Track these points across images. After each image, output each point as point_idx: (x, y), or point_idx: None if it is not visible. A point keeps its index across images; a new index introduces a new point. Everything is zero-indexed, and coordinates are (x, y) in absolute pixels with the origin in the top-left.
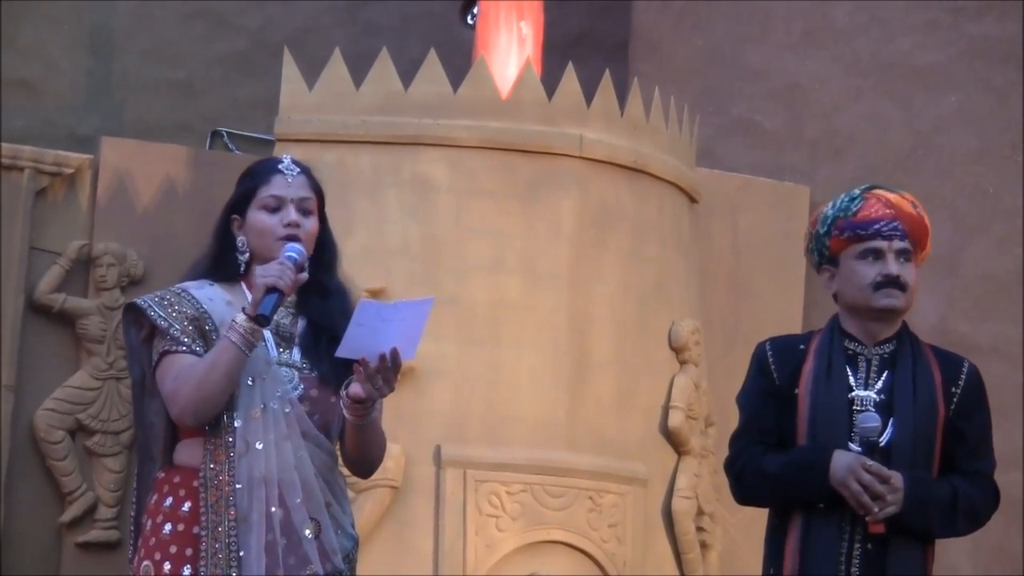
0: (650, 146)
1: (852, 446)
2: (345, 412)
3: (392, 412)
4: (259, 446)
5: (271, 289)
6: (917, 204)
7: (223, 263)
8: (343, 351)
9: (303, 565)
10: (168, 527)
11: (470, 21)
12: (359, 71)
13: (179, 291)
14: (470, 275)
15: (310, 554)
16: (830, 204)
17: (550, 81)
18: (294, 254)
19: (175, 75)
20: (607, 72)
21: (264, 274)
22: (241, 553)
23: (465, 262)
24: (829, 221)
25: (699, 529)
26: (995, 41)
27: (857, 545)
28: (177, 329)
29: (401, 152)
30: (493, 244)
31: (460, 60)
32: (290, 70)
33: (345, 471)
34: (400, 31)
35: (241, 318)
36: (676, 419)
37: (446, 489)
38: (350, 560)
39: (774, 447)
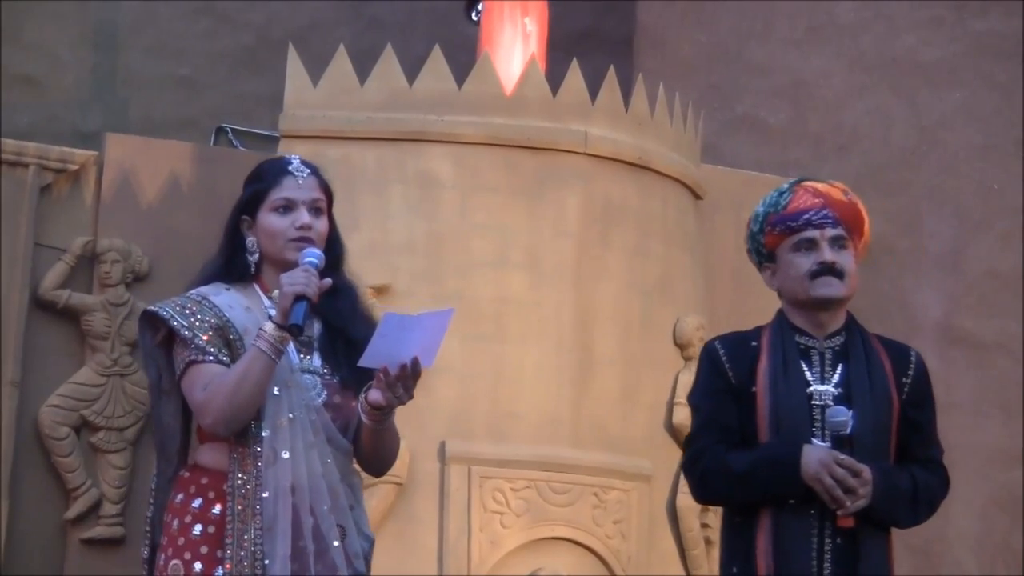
0: (654, 142)
1: (815, 441)
2: (363, 417)
3: (396, 408)
4: (285, 455)
5: (299, 297)
6: (848, 192)
7: (234, 264)
8: (366, 360)
9: (331, 572)
10: (198, 528)
11: (475, 17)
12: (364, 67)
13: (199, 298)
14: (475, 271)
15: (337, 561)
16: (761, 201)
17: (554, 77)
18: (314, 259)
19: (179, 71)
20: (611, 68)
21: (291, 282)
22: (267, 562)
23: (470, 258)
24: (761, 218)
25: (703, 525)
26: (999, 37)
27: (828, 540)
28: (201, 339)
29: (406, 148)
30: (498, 240)
31: (465, 56)
32: (294, 66)
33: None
34: (405, 27)
35: (269, 326)
36: (680, 415)
37: (451, 485)
38: (366, 561)
39: (736, 446)
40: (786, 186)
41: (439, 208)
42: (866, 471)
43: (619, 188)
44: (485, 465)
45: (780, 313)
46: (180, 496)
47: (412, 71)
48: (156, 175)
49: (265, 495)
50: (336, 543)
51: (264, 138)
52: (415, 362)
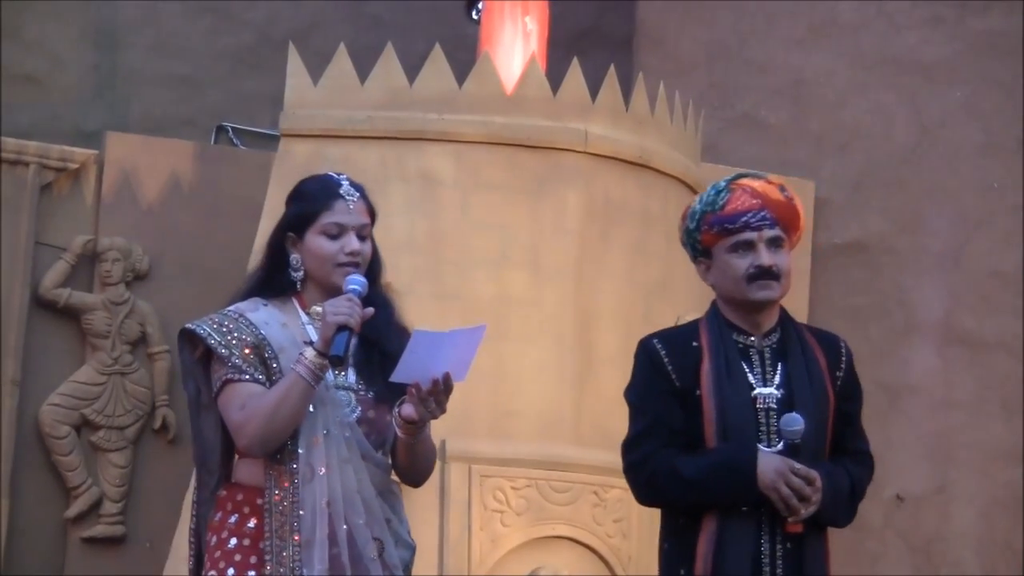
0: (655, 141)
1: (762, 446)
2: (397, 431)
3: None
4: (321, 472)
5: (341, 327)
6: (786, 188)
7: (275, 280)
8: (398, 376)
9: None
10: (234, 541)
11: (475, 16)
12: (364, 66)
13: (236, 315)
14: (475, 270)
15: (372, 571)
16: (698, 198)
17: (555, 76)
18: (357, 287)
19: (180, 70)
20: (612, 67)
21: (335, 311)
22: (305, 572)
23: (470, 257)
24: (698, 216)
25: None
26: (1000, 36)
27: (779, 545)
28: (238, 358)
29: (406, 147)
30: (498, 239)
31: (465, 55)
32: (295, 65)
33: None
34: (405, 26)
35: (311, 353)
36: None
37: (451, 484)
38: (407, 568)
39: (683, 448)
40: (723, 184)
41: (440, 207)
42: (818, 479)
43: (619, 187)
44: (486, 464)
45: (714, 308)
46: (219, 515)
47: (413, 70)
48: (157, 174)
49: (302, 512)
50: (373, 556)
51: (265, 137)
52: (447, 377)
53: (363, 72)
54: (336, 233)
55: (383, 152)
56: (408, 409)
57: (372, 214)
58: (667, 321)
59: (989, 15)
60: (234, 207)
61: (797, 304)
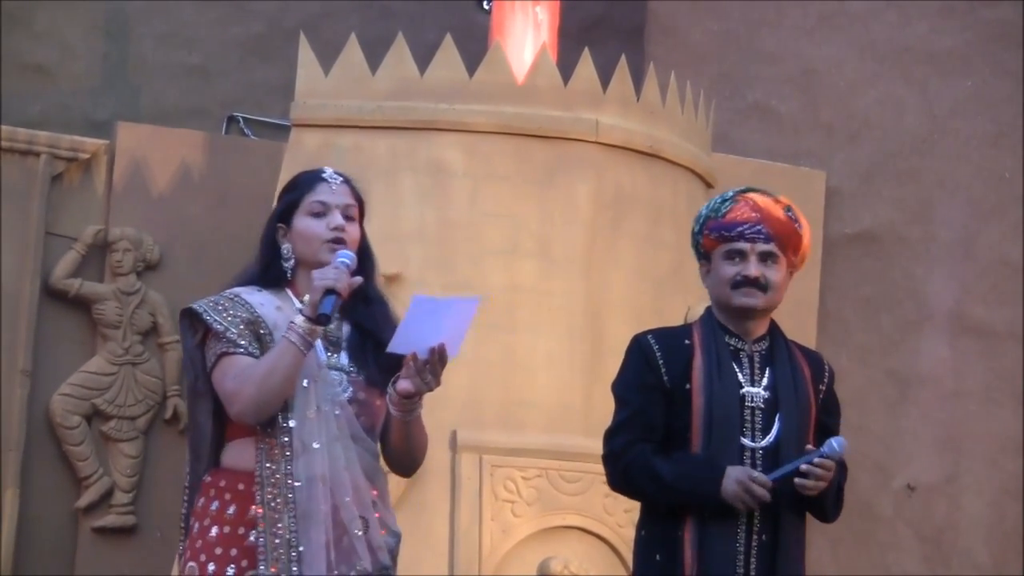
0: (666, 131)
1: (744, 441)
2: (392, 409)
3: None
4: (316, 446)
5: (329, 291)
6: (792, 209)
7: (270, 270)
8: (395, 346)
9: (351, 559)
10: (215, 530)
11: (486, 6)
12: (375, 56)
13: (232, 296)
14: (486, 260)
15: (359, 549)
16: (707, 203)
17: (566, 66)
18: (346, 259)
19: (191, 60)
20: (623, 57)
21: (322, 277)
22: (301, 548)
23: (481, 247)
24: (702, 221)
25: None
26: (1011, 25)
27: (755, 537)
28: (233, 332)
29: (417, 137)
30: (509, 229)
31: (476, 45)
32: (306, 55)
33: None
34: (416, 16)
35: (300, 319)
36: None
37: (462, 474)
38: (393, 556)
39: (659, 444)
40: (731, 194)
41: (450, 197)
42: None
43: (630, 177)
44: (496, 454)
45: (709, 312)
46: (201, 500)
47: (423, 60)
48: (167, 164)
49: (298, 484)
50: (358, 532)
51: (275, 127)
52: (442, 348)
53: (374, 62)
54: (320, 211)
55: (393, 142)
56: (404, 383)
57: (360, 202)
58: (677, 311)
59: (1000, 5)
60: (245, 197)
61: (808, 294)
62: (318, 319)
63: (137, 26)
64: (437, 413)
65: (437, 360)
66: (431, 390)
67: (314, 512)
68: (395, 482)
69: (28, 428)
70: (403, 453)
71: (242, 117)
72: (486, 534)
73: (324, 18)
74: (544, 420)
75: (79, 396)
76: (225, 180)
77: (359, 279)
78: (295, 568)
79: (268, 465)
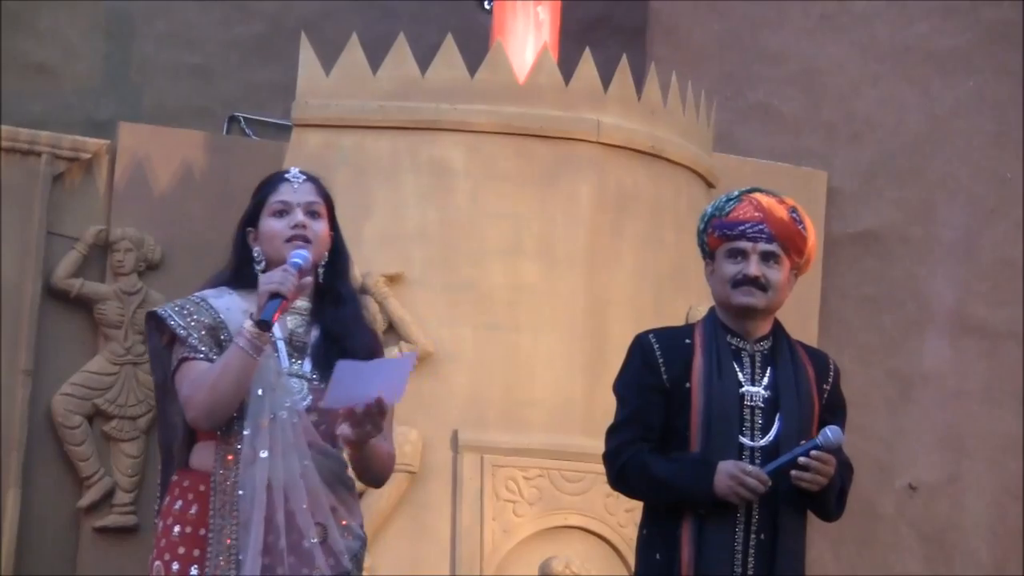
0: (667, 131)
1: (743, 440)
2: (343, 444)
3: (410, 397)
4: (264, 454)
5: (274, 295)
6: (797, 211)
7: (242, 274)
8: (328, 403)
9: (306, 565)
10: (177, 529)
11: (487, 6)
12: (376, 56)
13: (198, 300)
14: (487, 259)
15: (315, 556)
16: (712, 202)
17: (567, 66)
18: (299, 260)
19: (192, 60)
20: (624, 57)
21: (267, 281)
22: (240, 556)
23: (482, 246)
24: (707, 219)
25: None
26: (1013, 26)
27: (752, 536)
28: (195, 338)
29: (418, 137)
30: (510, 228)
31: (477, 45)
32: (307, 55)
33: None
34: (417, 16)
35: (248, 324)
36: None
37: (463, 474)
38: (357, 559)
39: (657, 443)
40: (736, 193)
41: (452, 196)
42: (831, 458)
43: (631, 176)
44: (498, 454)
45: (712, 311)
46: (167, 499)
47: (425, 60)
48: (169, 164)
49: (240, 493)
50: (314, 539)
51: (277, 127)
52: (379, 401)
53: (375, 62)
54: (282, 210)
55: (395, 142)
56: (344, 429)
57: (328, 200)
58: (679, 310)
59: (1001, 5)
60: (246, 197)
61: (809, 294)
62: (259, 324)
63: (139, 26)
64: (439, 413)
65: (375, 411)
66: (372, 438)
67: (253, 520)
68: (397, 481)
69: (30, 428)
70: (365, 473)
71: (243, 117)
72: (488, 534)
73: (325, 18)
74: (545, 420)
75: (80, 396)
76: (226, 180)
77: (309, 280)
78: (233, 573)
79: (221, 471)
